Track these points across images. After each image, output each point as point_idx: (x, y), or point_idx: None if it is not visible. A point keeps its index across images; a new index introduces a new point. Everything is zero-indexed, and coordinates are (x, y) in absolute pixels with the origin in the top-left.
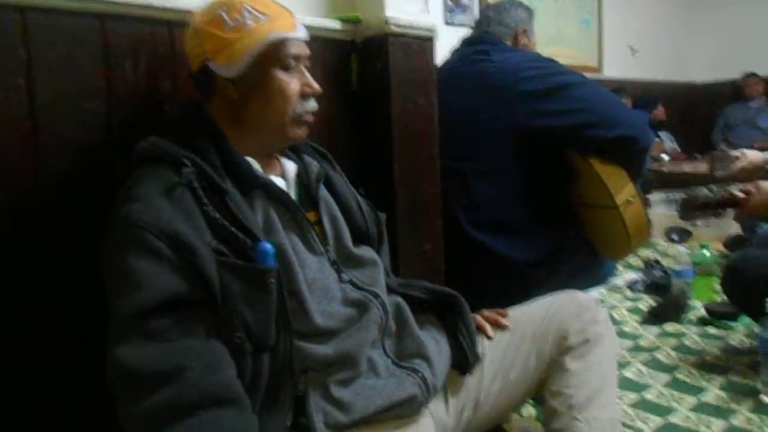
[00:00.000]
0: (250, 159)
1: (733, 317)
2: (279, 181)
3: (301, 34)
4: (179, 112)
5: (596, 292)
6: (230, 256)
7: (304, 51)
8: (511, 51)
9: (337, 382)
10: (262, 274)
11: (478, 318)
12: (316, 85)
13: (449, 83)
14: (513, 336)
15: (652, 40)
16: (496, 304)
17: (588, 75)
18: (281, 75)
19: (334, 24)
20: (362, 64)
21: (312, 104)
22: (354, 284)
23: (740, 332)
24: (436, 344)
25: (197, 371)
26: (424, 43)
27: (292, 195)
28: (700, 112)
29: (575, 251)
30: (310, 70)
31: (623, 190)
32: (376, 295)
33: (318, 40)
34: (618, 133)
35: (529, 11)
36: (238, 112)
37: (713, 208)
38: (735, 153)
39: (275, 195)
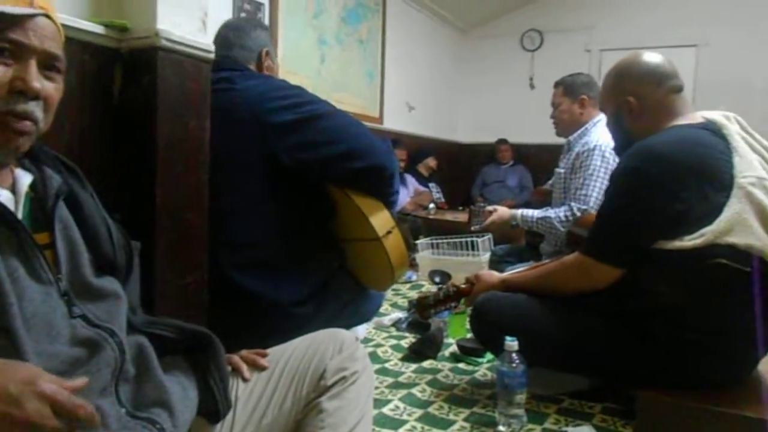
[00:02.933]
0: None
1: (481, 353)
2: (3, 194)
3: (30, 13)
4: None
5: (363, 330)
6: None
7: (40, 43)
8: (256, 78)
9: None
10: None
11: (235, 359)
12: (33, 84)
13: None
14: (271, 377)
15: (426, 99)
16: (262, 346)
17: (370, 125)
18: None
19: (97, 28)
20: (126, 76)
21: (25, 107)
22: (87, 320)
23: (485, 367)
24: (182, 390)
25: None
26: (200, 63)
27: (20, 211)
28: (463, 169)
29: (341, 287)
30: (63, 74)
31: (383, 221)
32: (112, 333)
33: (75, 43)
34: (369, 162)
35: (267, 30)
36: None
37: (444, 303)
38: (489, 208)
39: None
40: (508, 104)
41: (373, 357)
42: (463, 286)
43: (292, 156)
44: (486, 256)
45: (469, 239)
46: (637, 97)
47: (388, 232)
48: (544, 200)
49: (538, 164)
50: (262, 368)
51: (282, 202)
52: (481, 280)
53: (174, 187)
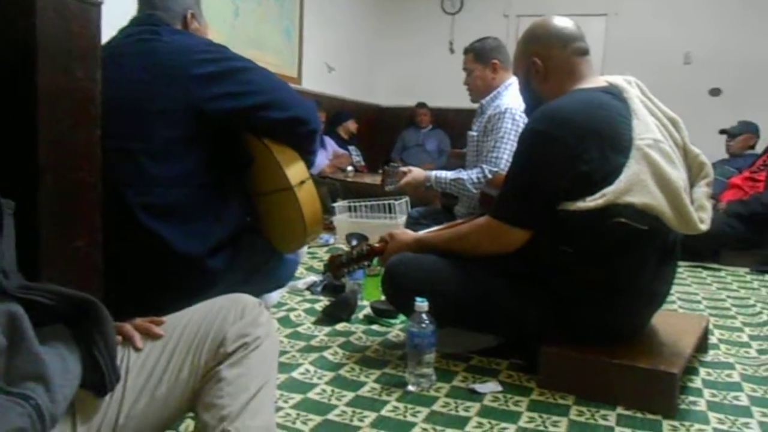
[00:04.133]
0: None
1: (395, 315)
2: None
3: None
4: None
5: (277, 295)
6: None
7: None
8: (182, 34)
9: None
10: None
11: (126, 327)
12: None
13: (115, 60)
14: (166, 346)
15: (346, 60)
16: (171, 301)
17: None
18: None
19: None
20: (0, 16)
21: None
22: None
23: (398, 328)
24: (61, 362)
25: None
26: (88, 7)
27: None
28: (384, 133)
29: (253, 247)
30: None
31: (297, 171)
32: None
33: None
34: (291, 114)
35: None
36: None
37: (357, 262)
38: (404, 169)
39: None
40: (428, 68)
41: (286, 321)
42: (376, 244)
43: (214, 105)
44: (402, 219)
45: (386, 202)
46: (543, 59)
47: (302, 182)
48: (459, 163)
49: (457, 128)
50: (156, 336)
51: (200, 149)
52: (395, 239)
53: (60, 144)
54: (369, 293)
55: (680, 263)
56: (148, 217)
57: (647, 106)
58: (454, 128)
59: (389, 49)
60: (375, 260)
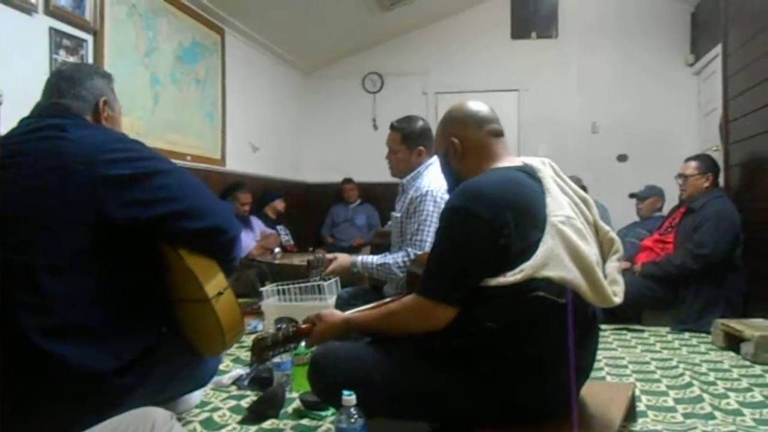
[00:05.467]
0: None
1: (325, 407)
2: None
3: None
4: None
5: (200, 394)
6: None
7: None
8: (92, 128)
9: None
10: None
11: None
12: None
13: (13, 160)
14: None
15: (271, 139)
16: (76, 422)
17: (212, 168)
18: None
19: None
20: None
21: None
22: None
23: (329, 421)
24: None
25: None
26: None
27: None
28: (312, 210)
29: (171, 351)
30: None
31: (214, 282)
32: None
33: None
34: (207, 223)
35: (107, 77)
36: None
37: (283, 344)
38: (329, 257)
39: None
40: (353, 144)
41: (209, 423)
42: (303, 326)
43: (125, 212)
44: (332, 300)
45: (316, 283)
46: (461, 139)
47: (219, 294)
48: (385, 242)
49: (386, 202)
50: None
51: (108, 260)
52: (323, 320)
53: None
54: (298, 384)
55: (606, 326)
56: (44, 339)
57: (560, 185)
58: (383, 202)
59: (314, 127)
60: (302, 342)
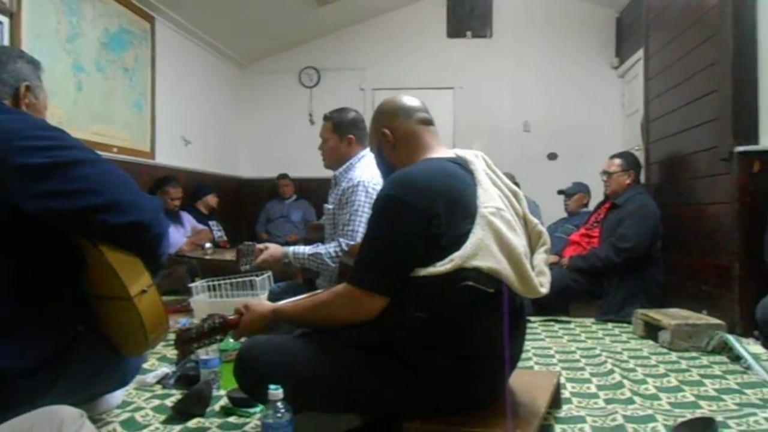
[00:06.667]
0: None
1: (254, 403)
2: None
3: None
4: None
5: (121, 394)
6: None
7: None
8: (8, 113)
9: None
10: None
11: None
12: None
13: None
14: None
15: (204, 133)
16: None
17: (141, 161)
18: None
19: None
20: None
21: None
22: None
23: (257, 417)
24: None
25: None
26: None
27: None
28: (247, 205)
29: (89, 350)
30: None
31: (138, 280)
32: None
33: None
34: (131, 218)
35: (34, 63)
36: None
37: (208, 336)
38: (260, 246)
39: None
40: (289, 139)
41: (129, 424)
42: (231, 317)
43: (39, 204)
44: (265, 295)
45: (248, 278)
46: (392, 130)
47: (143, 291)
48: (318, 235)
49: (322, 198)
50: None
51: (19, 255)
52: (251, 310)
53: None
54: (226, 381)
55: (535, 318)
56: None
57: (491, 178)
58: (319, 198)
59: (249, 121)
60: (229, 333)
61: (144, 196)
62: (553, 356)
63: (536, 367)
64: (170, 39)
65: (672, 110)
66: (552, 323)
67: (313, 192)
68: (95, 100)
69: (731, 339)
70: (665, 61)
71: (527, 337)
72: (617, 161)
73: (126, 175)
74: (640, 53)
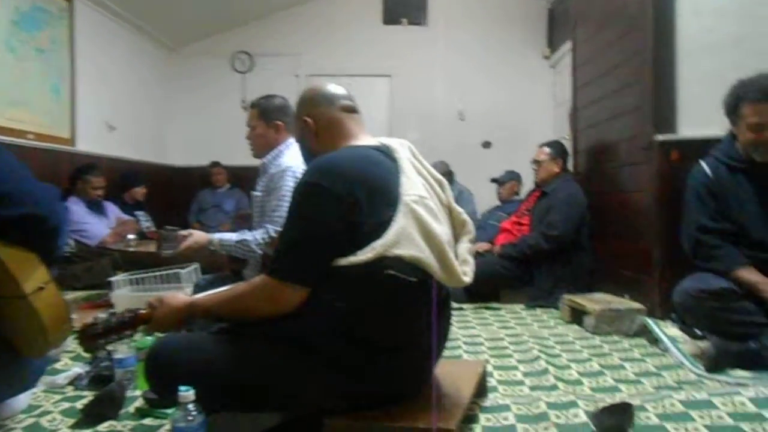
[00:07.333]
0: None
1: (171, 404)
2: None
3: None
4: None
5: (27, 398)
6: None
7: None
8: None
9: None
10: None
11: None
12: None
13: None
14: None
15: (131, 119)
16: None
17: (59, 147)
18: None
19: None
20: None
21: None
22: None
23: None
24: None
25: None
26: None
27: None
28: (178, 194)
29: None
30: None
31: (32, 276)
32: None
33: None
34: (24, 211)
35: None
36: None
37: (117, 332)
38: (183, 232)
39: None
40: (221, 126)
41: (34, 429)
42: (142, 311)
43: None
44: (190, 288)
45: (173, 271)
46: (314, 117)
47: (40, 288)
48: (246, 224)
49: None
50: None
51: None
52: (164, 304)
53: None
54: (142, 382)
55: (467, 306)
56: None
57: (415, 167)
58: (253, 186)
59: (179, 107)
60: (141, 329)
61: (38, 186)
62: (483, 344)
63: (465, 356)
64: (92, 19)
65: (598, 99)
66: (483, 310)
67: (248, 181)
68: (6, 83)
69: (650, 322)
70: (591, 51)
71: (458, 325)
72: (546, 150)
73: (18, 163)
74: (570, 44)
